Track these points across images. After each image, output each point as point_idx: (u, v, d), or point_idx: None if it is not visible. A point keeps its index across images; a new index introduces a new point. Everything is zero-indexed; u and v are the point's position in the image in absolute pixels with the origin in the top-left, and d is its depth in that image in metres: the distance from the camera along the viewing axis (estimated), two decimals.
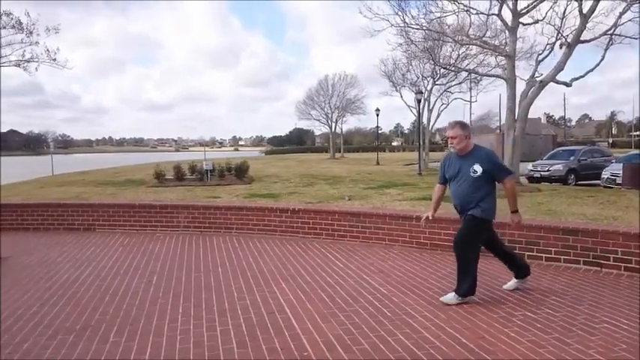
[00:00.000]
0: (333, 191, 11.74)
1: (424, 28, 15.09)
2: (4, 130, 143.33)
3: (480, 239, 4.49)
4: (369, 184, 13.76)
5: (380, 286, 4.93)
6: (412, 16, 14.75)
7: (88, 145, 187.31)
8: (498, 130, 45.60)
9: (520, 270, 4.75)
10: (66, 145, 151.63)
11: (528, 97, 12.47)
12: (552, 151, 21.83)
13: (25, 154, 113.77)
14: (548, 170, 17.97)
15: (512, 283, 4.76)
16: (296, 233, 7.62)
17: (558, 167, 17.98)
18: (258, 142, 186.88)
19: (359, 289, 4.88)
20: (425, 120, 27.86)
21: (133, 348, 3.52)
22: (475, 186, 4.32)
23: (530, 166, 18.65)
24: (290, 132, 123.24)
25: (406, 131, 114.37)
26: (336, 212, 7.43)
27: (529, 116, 13.39)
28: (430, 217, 4.75)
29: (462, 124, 4.45)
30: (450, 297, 4.38)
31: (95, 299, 4.69)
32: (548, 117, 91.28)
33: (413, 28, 15.15)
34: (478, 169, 4.29)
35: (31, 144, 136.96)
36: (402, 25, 14.71)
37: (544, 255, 5.80)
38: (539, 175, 17.85)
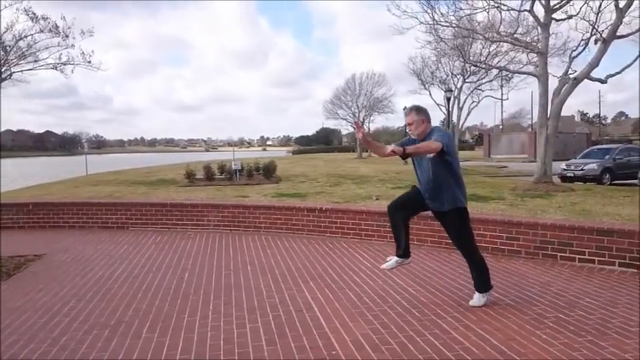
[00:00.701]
0: (361, 191, 11.71)
1: (454, 25, 14.91)
2: (41, 131, 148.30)
3: (470, 229, 4.42)
4: (397, 184, 13.67)
5: (408, 287, 4.90)
6: (441, 13, 14.50)
7: (120, 146, 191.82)
8: (530, 129, 44.66)
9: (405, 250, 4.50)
10: (99, 145, 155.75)
11: (561, 94, 12.18)
12: (586, 150, 21.26)
13: (61, 154, 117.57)
14: (582, 169, 17.51)
15: (393, 261, 4.51)
16: (323, 233, 7.64)
17: (593, 166, 17.49)
18: (285, 141, 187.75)
19: (387, 288, 4.87)
20: (455, 118, 27.50)
21: (165, 344, 3.60)
22: (436, 166, 4.15)
23: (563, 165, 18.21)
24: (317, 132, 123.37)
25: None
26: (363, 212, 7.42)
27: (562, 114, 13.06)
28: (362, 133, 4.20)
29: (417, 109, 4.35)
30: (477, 299, 4.33)
31: (128, 296, 4.81)
32: (583, 115, 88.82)
33: (442, 26, 14.99)
34: None
35: (66, 144, 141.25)
36: (431, 22, 14.58)
37: (577, 256, 5.67)
38: (572, 175, 17.42)
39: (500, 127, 59.90)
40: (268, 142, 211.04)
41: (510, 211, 7.68)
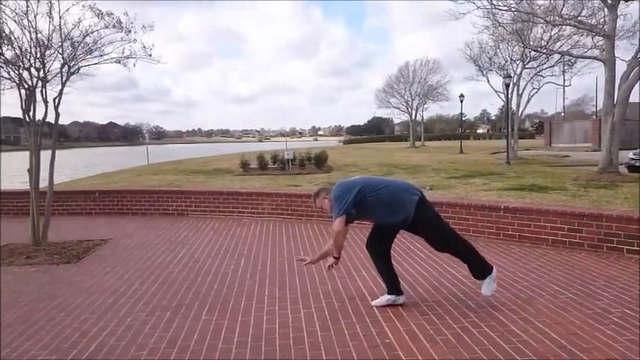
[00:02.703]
0: (413, 180, 11.57)
1: (512, 9, 14.34)
2: (105, 122, 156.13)
3: (441, 219, 4.14)
4: (452, 174, 13.41)
5: (464, 278, 4.82)
6: None
7: (178, 136, 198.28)
8: (595, 116, 42.41)
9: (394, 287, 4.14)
10: (159, 136, 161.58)
11: (629, 79, 11.48)
12: None
13: (123, 144, 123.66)
14: None
15: (384, 299, 4.11)
16: None
17: None
18: (336, 131, 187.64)
19: (441, 280, 4.81)
20: (514, 105, 26.50)
21: (223, 326, 3.73)
22: (368, 217, 4.10)
23: (630, 154, 17.17)
24: (368, 121, 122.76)
25: (493, 118, 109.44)
26: None
27: (630, 100, 12.33)
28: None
29: (315, 195, 4.24)
30: (488, 286, 3.96)
31: (189, 279, 5.01)
32: None
33: (500, 10, 14.46)
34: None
35: (128, 135, 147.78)
36: (489, 6, 14.10)
37: None
38: None
39: (562, 114, 57.21)
40: (319, 132, 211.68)
41: (572, 202, 7.38)
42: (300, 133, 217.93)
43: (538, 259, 5.50)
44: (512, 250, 5.95)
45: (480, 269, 4.03)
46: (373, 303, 4.14)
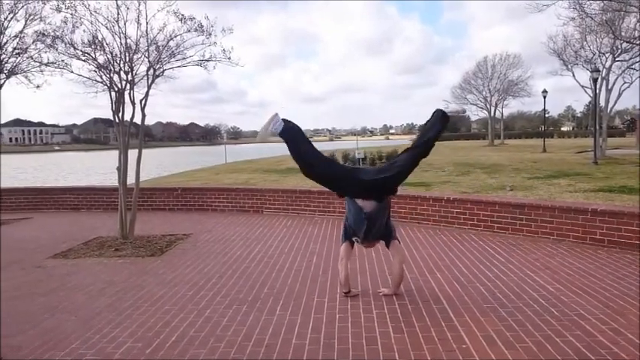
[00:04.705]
0: (492, 181, 11.14)
1: None
2: (186, 123, 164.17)
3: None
4: (534, 174, 12.77)
5: (546, 284, 4.57)
6: None
7: (253, 136, 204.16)
8: None
9: None
10: (236, 136, 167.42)
11: None
12: None
13: (203, 144, 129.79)
14: None
15: None
16: (451, 224, 7.40)
17: None
18: (408, 130, 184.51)
19: (522, 285, 4.58)
20: (602, 101, 24.76)
21: (297, 322, 3.79)
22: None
23: None
24: None
25: (579, 115, 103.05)
26: (496, 203, 7.04)
27: None
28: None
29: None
30: None
31: (264, 275, 5.14)
32: None
33: (589, 0, 13.57)
34: None
35: (208, 135, 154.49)
36: None
37: None
38: None
39: None
40: (391, 131, 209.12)
41: None
42: (370, 131, 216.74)
43: (629, 265, 5.10)
44: (599, 255, 5.56)
45: None
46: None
